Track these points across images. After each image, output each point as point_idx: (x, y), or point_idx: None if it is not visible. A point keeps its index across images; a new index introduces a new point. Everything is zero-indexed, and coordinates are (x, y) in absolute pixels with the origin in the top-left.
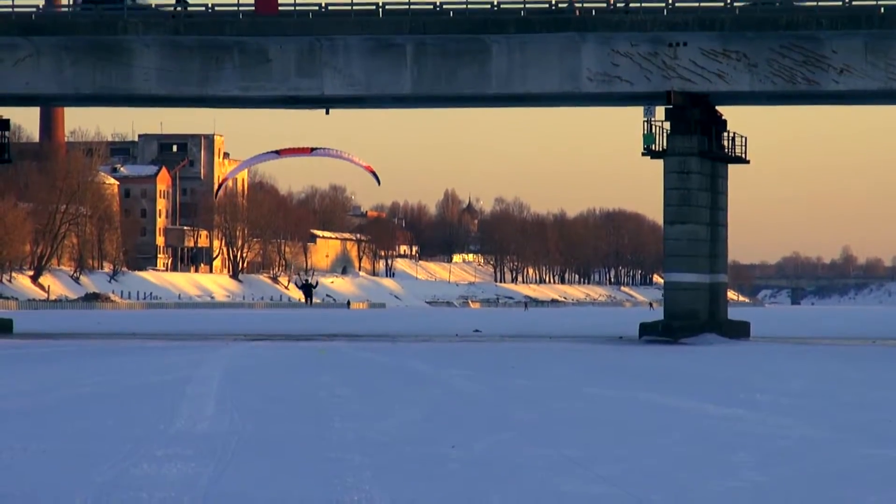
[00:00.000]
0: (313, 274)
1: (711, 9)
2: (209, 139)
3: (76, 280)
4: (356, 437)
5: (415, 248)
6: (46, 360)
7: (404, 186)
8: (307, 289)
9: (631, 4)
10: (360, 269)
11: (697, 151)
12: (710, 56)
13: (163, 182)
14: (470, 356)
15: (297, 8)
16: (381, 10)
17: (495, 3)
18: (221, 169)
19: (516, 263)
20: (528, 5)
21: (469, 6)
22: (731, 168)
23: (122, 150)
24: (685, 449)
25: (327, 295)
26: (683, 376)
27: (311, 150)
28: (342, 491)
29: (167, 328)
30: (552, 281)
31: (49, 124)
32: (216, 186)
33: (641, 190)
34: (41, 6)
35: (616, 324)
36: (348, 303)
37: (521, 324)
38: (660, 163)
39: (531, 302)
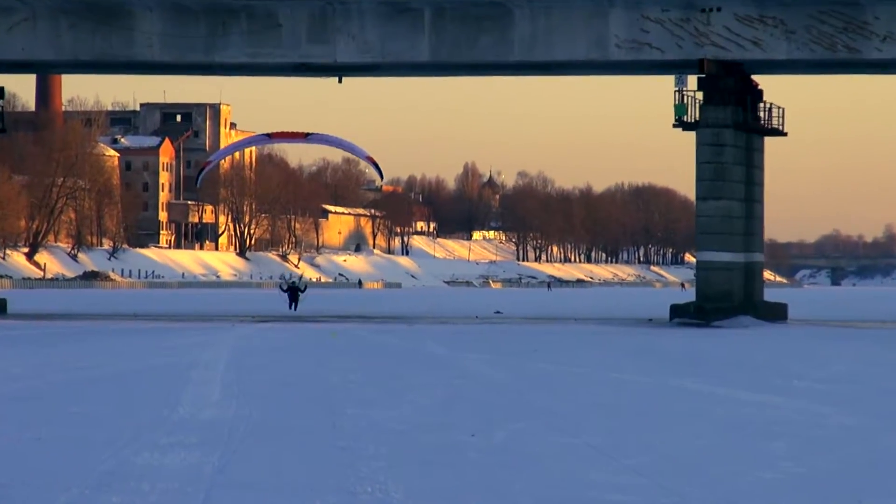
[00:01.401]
0: (301, 276)
1: None
2: (215, 108)
3: (74, 258)
4: (369, 424)
5: (432, 225)
6: (42, 342)
7: (421, 159)
8: (293, 292)
9: None
10: (374, 247)
11: (732, 123)
12: (746, 22)
13: (166, 154)
14: (490, 339)
15: None
16: None
17: None
18: (228, 140)
19: (540, 241)
20: None
21: None
22: (768, 141)
23: (122, 120)
24: (718, 438)
25: (339, 274)
26: (716, 361)
27: (305, 136)
28: (355, 481)
29: (170, 309)
30: (578, 260)
31: (46, 92)
32: (199, 171)
33: (672, 164)
34: None
35: (645, 305)
36: (360, 282)
37: (544, 305)
38: (692, 135)
39: (555, 282)
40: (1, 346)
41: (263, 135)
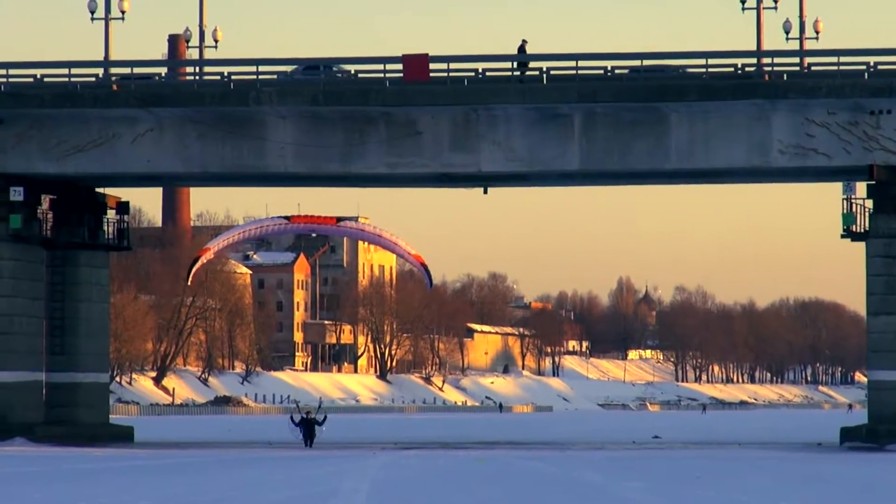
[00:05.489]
0: (320, 405)
1: None
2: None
3: (204, 382)
4: None
5: (585, 344)
6: (171, 472)
7: (572, 274)
8: (309, 425)
9: (828, 68)
10: (523, 368)
11: None
12: None
13: (301, 271)
14: (649, 466)
15: (451, 74)
16: (545, 76)
17: (673, 68)
18: (367, 256)
19: (700, 360)
20: (710, 70)
21: (644, 71)
22: None
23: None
24: None
25: (486, 397)
26: (892, 489)
27: (336, 221)
28: None
29: None
30: (740, 380)
31: (172, 206)
32: (190, 266)
33: (841, 277)
34: (163, 74)
35: (813, 428)
36: (500, 405)
37: (706, 429)
38: (861, 246)
39: (714, 403)
40: (128, 477)
41: (281, 218)
